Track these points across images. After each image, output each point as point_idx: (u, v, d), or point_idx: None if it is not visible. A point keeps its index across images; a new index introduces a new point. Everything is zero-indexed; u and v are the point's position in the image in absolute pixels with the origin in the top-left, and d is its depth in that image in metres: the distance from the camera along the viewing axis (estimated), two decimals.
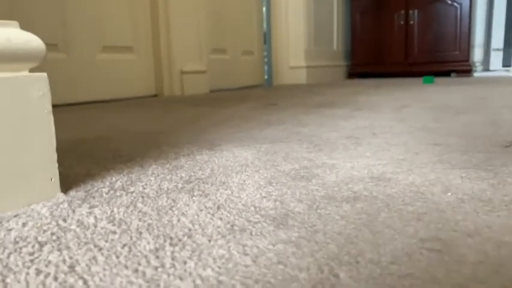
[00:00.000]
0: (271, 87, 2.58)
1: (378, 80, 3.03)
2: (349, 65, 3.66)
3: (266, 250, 0.26)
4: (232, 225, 0.30)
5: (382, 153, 0.55)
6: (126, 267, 0.24)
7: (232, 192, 0.39)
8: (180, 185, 0.41)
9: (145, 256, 0.26)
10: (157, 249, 0.26)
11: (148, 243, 0.27)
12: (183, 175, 0.46)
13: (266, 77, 3.17)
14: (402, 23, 3.27)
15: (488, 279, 0.22)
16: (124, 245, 0.28)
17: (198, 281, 0.22)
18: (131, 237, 0.29)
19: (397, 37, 3.31)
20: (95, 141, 0.71)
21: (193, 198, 0.37)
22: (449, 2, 3.09)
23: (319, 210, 0.34)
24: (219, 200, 0.37)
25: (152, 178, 0.45)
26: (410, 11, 3.23)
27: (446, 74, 3.23)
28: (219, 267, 0.24)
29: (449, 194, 0.37)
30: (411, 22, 3.24)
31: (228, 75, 2.73)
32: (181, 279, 0.23)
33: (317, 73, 3.23)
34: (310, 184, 0.42)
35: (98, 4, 1.78)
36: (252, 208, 0.34)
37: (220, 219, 0.32)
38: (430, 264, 0.24)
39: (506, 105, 1.08)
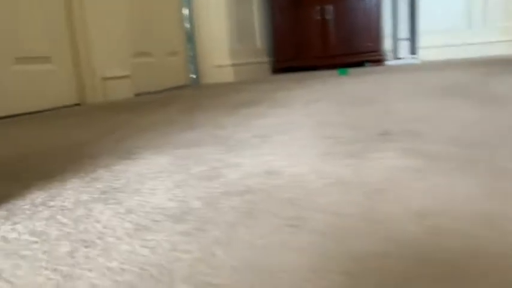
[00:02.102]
0: (198, 87, 2.63)
1: (299, 74, 3.19)
2: (273, 60, 3.79)
3: (162, 241, 0.33)
4: (138, 226, 0.37)
5: (281, 150, 0.64)
6: (46, 268, 0.30)
7: (143, 197, 0.45)
8: (96, 196, 0.47)
9: (63, 257, 0.31)
10: (73, 251, 0.32)
11: (65, 247, 0.33)
12: (99, 186, 0.51)
13: (194, 76, 3.20)
14: (319, 18, 3.46)
15: (331, 249, 0.31)
16: (44, 252, 0.33)
17: (105, 271, 0.29)
18: (51, 245, 0.34)
19: (315, 32, 3.50)
20: (15, 159, 0.73)
21: (108, 206, 0.43)
22: None
23: (214, 205, 0.41)
24: (130, 206, 0.43)
25: (71, 192, 0.49)
26: (326, 7, 3.43)
27: (361, 64, 3.48)
28: (123, 259, 0.30)
29: (321, 180, 0.47)
30: (327, 17, 3.44)
31: (154, 77, 2.73)
32: (91, 271, 0.29)
33: (243, 70, 3.32)
34: (213, 183, 0.49)
35: (10, 15, 1.72)
36: (158, 210, 0.41)
37: (130, 221, 0.38)
38: (288, 237, 0.33)
39: (401, 94, 1.23)
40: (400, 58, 3.50)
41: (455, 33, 3.58)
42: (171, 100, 1.82)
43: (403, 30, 3.45)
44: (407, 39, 3.45)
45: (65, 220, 0.40)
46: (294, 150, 0.63)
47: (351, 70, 2.93)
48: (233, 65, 3.16)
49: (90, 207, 0.43)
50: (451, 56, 3.57)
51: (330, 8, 3.43)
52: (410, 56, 3.46)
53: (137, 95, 2.44)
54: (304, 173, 0.50)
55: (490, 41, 3.48)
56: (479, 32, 3.51)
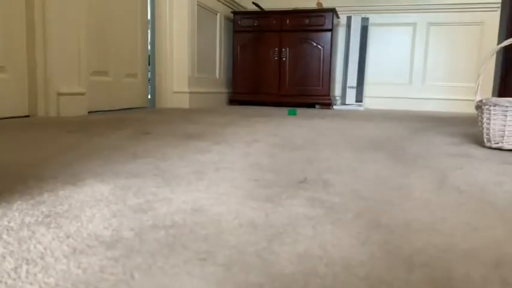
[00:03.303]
0: (153, 111, 2.68)
1: (253, 109, 3.34)
2: (230, 92, 3.93)
3: (94, 264, 0.41)
4: (74, 249, 0.45)
5: (212, 188, 0.74)
6: None
7: (82, 224, 0.53)
8: (40, 219, 0.54)
9: (7, 272, 0.38)
10: (16, 268, 0.39)
11: (10, 263, 0.40)
12: (44, 210, 0.58)
13: (150, 99, 3.25)
14: (276, 58, 3.67)
15: (227, 279, 0.40)
16: None
17: (43, 285, 0.36)
18: None
19: (272, 70, 3.69)
20: None
21: (50, 230, 0.50)
22: (315, 44, 3.57)
23: (142, 236, 0.50)
24: (69, 231, 0.50)
25: (16, 213, 0.56)
26: (283, 49, 3.65)
27: (312, 105, 3.70)
28: (59, 277, 0.38)
29: (236, 220, 0.57)
30: (283, 58, 3.65)
31: (110, 97, 2.76)
32: (31, 284, 0.36)
33: (200, 98, 3.42)
34: (145, 216, 0.57)
35: None
36: (93, 236, 0.49)
37: (67, 245, 0.46)
38: (196, 268, 0.42)
39: (331, 143, 1.38)
40: (347, 104, 3.76)
41: (397, 87, 3.91)
42: (122, 123, 1.87)
43: (352, 79, 3.73)
44: (354, 87, 3.73)
45: (9, 239, 0.47)
46: (222, 190, 0.73)
47: (301, 111, 3.12)
48: (190, 92, 3.25)
49: (34, 229, 0.50)
50: (393, 107, 3.88)
51: (287, 50, 3.64)
52: (356, 103, 3.73)
53: (91, 112, 2.46)
54: (225, 213, 0.60)
55: (428, 97, 3.83)
56: (419, 88, 3.85)
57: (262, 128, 1.81)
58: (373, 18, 3.82)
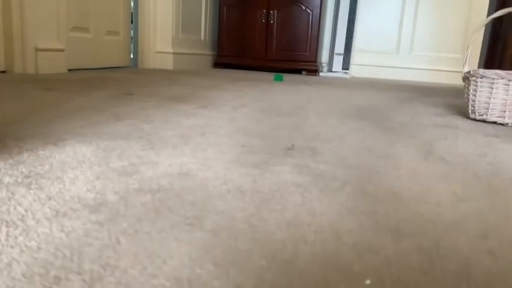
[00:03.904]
0: (135, 71, 2.61)
1: (238, 73, 3.28)
2: (215, 54, 3.84)
3: (77, 228, 0.40)
4: (57, 212, 0.43)
5: (198, 153, 0.72)
6: None
7: (64, 186, 0.51)
8: (19, 180, 0.52)
9: None
10: None
11: None
12: (23, 170, 0.55)
13: (132, 56, 3.16)
14: (264, 21, 3.57)
15: (213, 245, 0.40)
16: None
17: (24, 248, 0.35)
18: None
19: (258, 34, 3.61)
20: None
21: (30, 191, 0.48)
22: (304, 7, 3.49)
23: (127, 200, 0.48)
24: (51, 192, 0.48)
25: None
26: (271, 11, 3.55)
27: (298, 71, 3.66)
28: (41, 240, 0.37)
29: (224, 186, 0.56)
30: (271, 21, 3.56)
31: (90, 54, 2.67)
32: (12, 247, 0.35)
33: (184, 60, 3.34)
34: (130, 179, 0.56)
35: None
36: (76, 199, 0.47)
37: (49, 207, 0.44)
38: (183, 233, 0.41)
39: (318, 110, 1.37)
40: (333, 71, 3.73)
41: (384, 56, 3.89)
42: (104, 82, 1.81)
43: (340, 46, 3.68)
44: (342, 54, 3.69)
45: None
46: (209, 155, 0.71)
47: (288, 76, 3.08)
48: (174, 53, 3.17)
49: (13, 190, 0.48)
50: (379, 76, 3.87)
51: (275, 13, 3.55)
52: (343, 70, 3.71)
53: (71, 70, 2.38)
54: (212, 178, 0.59)
55: (415, 67, 3.83)
56: (406, 58, 3.84)
57: (248, 93, 1.78)
58: None
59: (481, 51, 2.16)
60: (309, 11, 3.48)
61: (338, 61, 3.64)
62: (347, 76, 3.63)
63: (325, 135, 0.95)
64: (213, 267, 0.34)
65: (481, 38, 2.37)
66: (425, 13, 3.74)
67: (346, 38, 3.65)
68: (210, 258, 0.36)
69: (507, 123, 1.25)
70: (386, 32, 3.83)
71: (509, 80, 1.23)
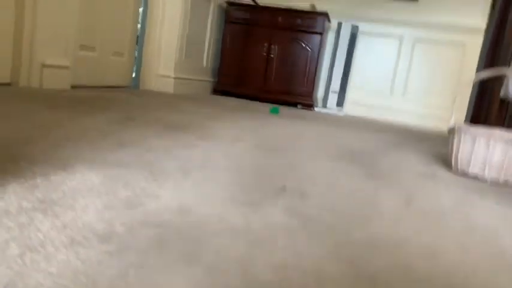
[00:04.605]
0: (137, 92, 2.68)
1: (237, 101, 3.37)
2: (215, 81, 3.94)
3: (92, 257, 0.45)
4: (72, 240, 0.48)
5: (197, 189, 0.78)
6: (1, 265, 0.40)
7: (76, 214, 0.56)
8: (36, 205, 0.57)
9: (13, 258, 0.42)
10: (21, 254, 0.43)
11: (15, 250, 0.44)
12: (38, 195, 0.61)
13: (134, 78, 3.23)
14: (265, 54, 3.70)
15: (206, 279, 0.45)
16: None
17: (47, 275, 0.40)
18: (1, 247, 0.44)
19: (259, 65, 3.73)
20: None
21: (47, 217, 0.53)
22: (304, 45, 3.63)
23: (133, 232, 0.54)
24: (65, 220, 0.54)
25: (13, 196, 0.59)
26: (273, 46, 3.68)
27: (294, 105, 3.76)
28: (60, 266, 0.42)
29: (219, 224, 0.61)
30: (272, 55, 3.69)
31: (94, 73, 2.74)
32: (37, 272, 0.40)
33: (184, 84, 3.42)
34: (135, 211, 0.61)
35: None
36: (88, 228, 0.52)
37: (65, 235, 0.49)
38: (182, 268, 0.46)
39: (311, 149, 1.44)
40: (328, 107, 3.84)
41: (378, 97, 4.01)
42: (107, 104, 1.87)
43: (335, 84, 3.81)
44: (337, 92, 3.82)
45: (10, 224, 0.50)
46: (207, 190, 0.77)
47: (284, 109, 3.17)
48: (176, 78, 3.25)
49: (32, 215, 0.53)
50: (372, 115, 3.98)
51: (276, 47, 3.68)
52: (337, 107, 3.82)
53: (73, 87, 2.44)
54: (209, 215, 0.64)
55: (406, 110, 3.96)
56: (399, 100, 3.97)
57: (245, 126, 1.85)
58: (362, 26, 3.90)
59: (469, 104, 2.27)
60: (308, 48, 3.62)
61: (333, 98, 3.76)
62: (341, 113, 3.74)
63: (315, 178, 1.02)
64: None
65: (469, 91, 2.50)
66: (420, 58, 3.89)
67: (342, 76, 3.78)
68: None
69: (486, 180, 1.33)
70: (381, 74, 3.97)
71: (489, 139, 1.31)
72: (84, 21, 2.49)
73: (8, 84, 2.10)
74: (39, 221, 0.52)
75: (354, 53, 3.84)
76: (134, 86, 3.24)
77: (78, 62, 2.50)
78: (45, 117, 1.29)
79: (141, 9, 3.16)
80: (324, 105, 3.87)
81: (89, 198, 0.63)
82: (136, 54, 3.21)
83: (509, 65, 1.83)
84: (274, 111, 2.70)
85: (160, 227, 0.57)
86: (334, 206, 0.80)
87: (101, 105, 1.80)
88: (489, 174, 1.32)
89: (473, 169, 1.35)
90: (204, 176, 0.88)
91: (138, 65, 3.23)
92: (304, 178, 1.00)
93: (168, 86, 3.23)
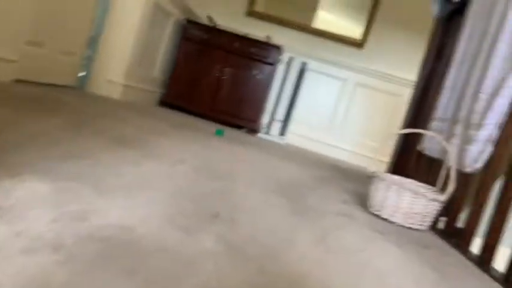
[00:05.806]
0: (83, 94, 2.66)
1: (183, 117, 3.44)
2: (163, 93, 3.98)
3: (39, 264, 0.53)
4: (23, 248, 0.55)
5: (138, 209, 0.86)
6: None
7: (29, 224, 0.63)
8: None
9: None
10: None
11: None
12: None
13: (83, 73, 3.19)
14: (217, 75, 3.82)
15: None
16: None
17: (3, 276, 0.47)
18: None
19: (210, 85, 3.84)
20: None
21: (2, 225, 0.60)
22: (255, 72, 3.80)
23: (80, 244, 0.62)
24: (18, 230, 0.60)
25: None
26: (226, 68, 3.82)
27: (240, 127, 3.90)
28: (10, 273, 0.49)
29: (156, 244, 0.70)
30: (224, 77, 3.82)
31: (41, 69, 2.69)
32: None
33: (132, 92, 3.44)
34: (82, 226, 0.69)
35: None
36: (39, 238, 0.60)
37: (17, 243, 0.56)
38: (123, 282, 0.55)
39: (247, 177, 1.56)
40: (271, 135, 4.02)
41: (317, 131, 4.27)
42: (53, 106, 1.88)
43: (280, 114, 4.01)
44: (281, 121, 4.02)
45: None
46: (146, 212, 0.86)
47: (229, 130, 3.29)
48: (125, 85, 3.26)
49: None
50: (311, 147, 4.22)
51: (229, 70, 3.82)
52: (279, 136, 4.02)
53: (18, 81, 2.39)
54: (147, 235, 0.73)
55: (342, 147, 4.24)
56: (336, 137, 4.25)
57: (189, 146, 1.94)
58: (311, 63, 4.16)
59: (393, 151, 2.54)
60: (259, 76, 3.80)
61: (276, 126, 3.95)
62: (282, 142, 3.93)
63: (247, 207, 1.14)
64: None
65: (395, 141, 2.79)
66: (360, 101, 4.22)
67: (287, 107, 3.99)
68: None
69: (395, 223, 1.53)
70: (323, 110, 4.25)
71: (400, 187, 1.52)
72: (36, 17, 2.47)
73: None
74: None
75: (300, 87, 4.08)
76: (80, 87, 3.20)
77: (26, 57, 2.46)
78: None
79: (100, 11, 3.16)
80: (267, 132, 4.05)
81: (39, 209, 0.69)
82: (88, 55, 3.19)
83: (428, 123, 2.09)
84: (219, 133, 2.81)
85: (104, 241, 0.65)
86: (258, 237, 0.92)
87: (47, 108, 1.80)
88: (397, 219, 1.52)
89: (385, 212, 1.55)
90: (145, 196, 0.96)
91: (88, 67, 3.20)
92: (237, 207, 1.12)
93: (115, 92, 3.23)
